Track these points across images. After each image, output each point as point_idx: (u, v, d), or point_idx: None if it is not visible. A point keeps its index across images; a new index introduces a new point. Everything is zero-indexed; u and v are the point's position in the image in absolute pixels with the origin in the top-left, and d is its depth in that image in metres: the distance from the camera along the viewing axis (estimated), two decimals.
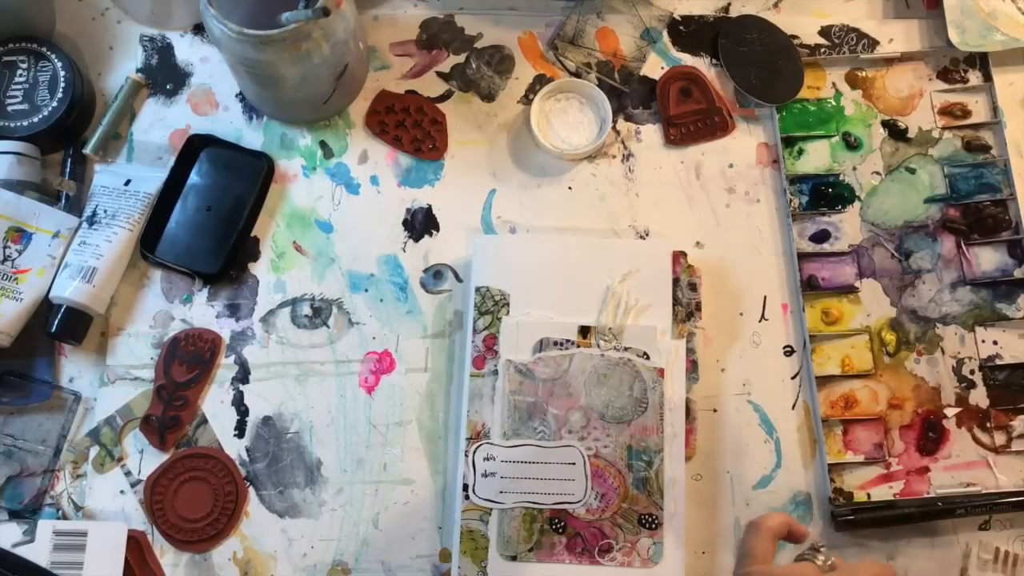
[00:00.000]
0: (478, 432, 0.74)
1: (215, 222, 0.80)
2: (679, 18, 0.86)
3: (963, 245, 0.80)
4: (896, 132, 0.83)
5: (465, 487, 0.73)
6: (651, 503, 0.73)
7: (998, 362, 0.78)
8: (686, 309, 0.77)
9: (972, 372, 0.78)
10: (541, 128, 0.82)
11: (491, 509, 0.73)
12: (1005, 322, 0.79)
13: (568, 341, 0.75)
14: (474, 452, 0.73)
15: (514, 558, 0.72)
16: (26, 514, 0.74)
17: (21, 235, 0.77)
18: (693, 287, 0.78)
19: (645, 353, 0.75)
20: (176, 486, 0.75)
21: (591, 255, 0.77)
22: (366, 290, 0.80)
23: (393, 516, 0.75)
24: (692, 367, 0.77)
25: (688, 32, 0.86)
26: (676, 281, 0.77)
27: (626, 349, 0.75)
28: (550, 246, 0.78)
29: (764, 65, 0.83)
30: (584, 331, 0.76)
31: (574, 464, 0.73)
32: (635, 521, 0.73)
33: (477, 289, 0.76)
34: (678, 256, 0.78)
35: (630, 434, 0.74)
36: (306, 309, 0.79)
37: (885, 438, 0.77)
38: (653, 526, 0.72)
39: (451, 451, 0.76)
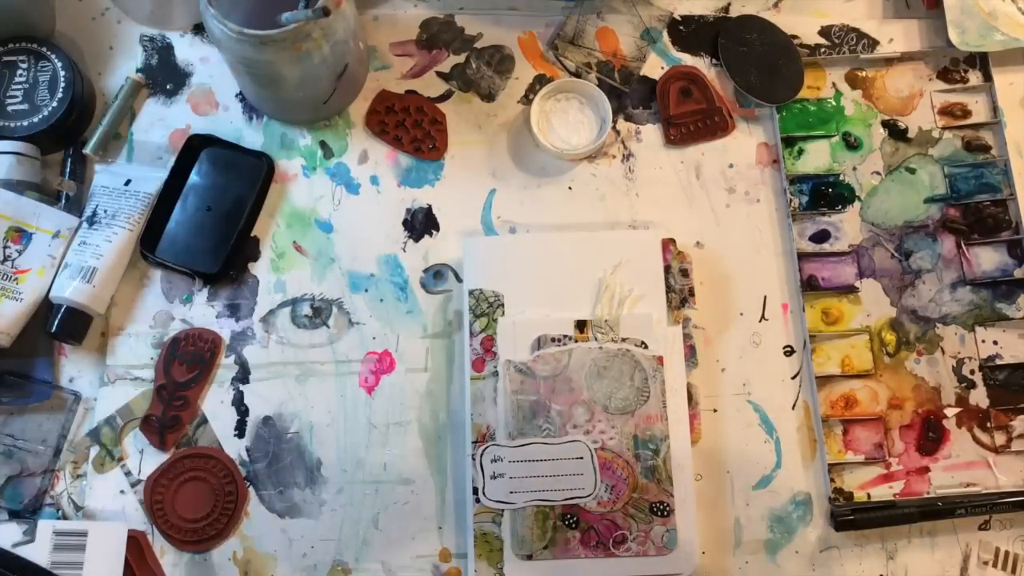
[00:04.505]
0: (483, 435, 0.74)
1: (215, 222, 0.80)
2: (679, 18, 0.86)
3: (963, 245, 0.80)
4: (896, 132, 0.83)
5: (475, 490, 0.73)
6: (661, 490, 0.73)
7: (998, 362, 0.78)
8: (679, 295, 0.77)
9: (972, 372, 0.78)
10: (541, 128, 0.82)
11: (503, 510, 0.73)
12: (1005, 322, 0.79)
13: (566, 337, 0.75)
14: (481, 455, 0.73)
15: (530, 557, 0.72)
16: (26, 514, 0.74)
17: (21, 235, 0.77)
18: (685, 273, 0.78)
19: (643, 342, 0.75)
20: (176, 486, 0.75)
21: (581, 249, 0.77)
22: (366, 290, 0.80)
23: (393, 516, 0.75)
24: (691, 352, 0.77)
25: (688, 32, 0.86)
26: (667, 268, 0.77)
27: (623, 340, 0.75)
28: (539, 244, 0.78)
29: (764, 65, 0.83)
30: (580, 325, 0.76)
31: (582, 458, 0.73)
32: (647, 510, 0.73)
33: (470, 292, 0.76)
34: (667, 243, 0.78)
35: (635, 424, 0.74)
36: (306, 309, 0.79)
37: (885, 438, 0.77)
38: (665, 513, 0.73)
39: (454, 453, 0.76)
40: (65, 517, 0.75)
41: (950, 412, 0.77)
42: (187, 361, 0.77)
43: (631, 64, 0.84)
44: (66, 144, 0.81)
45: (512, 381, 0.74)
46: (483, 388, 0.75)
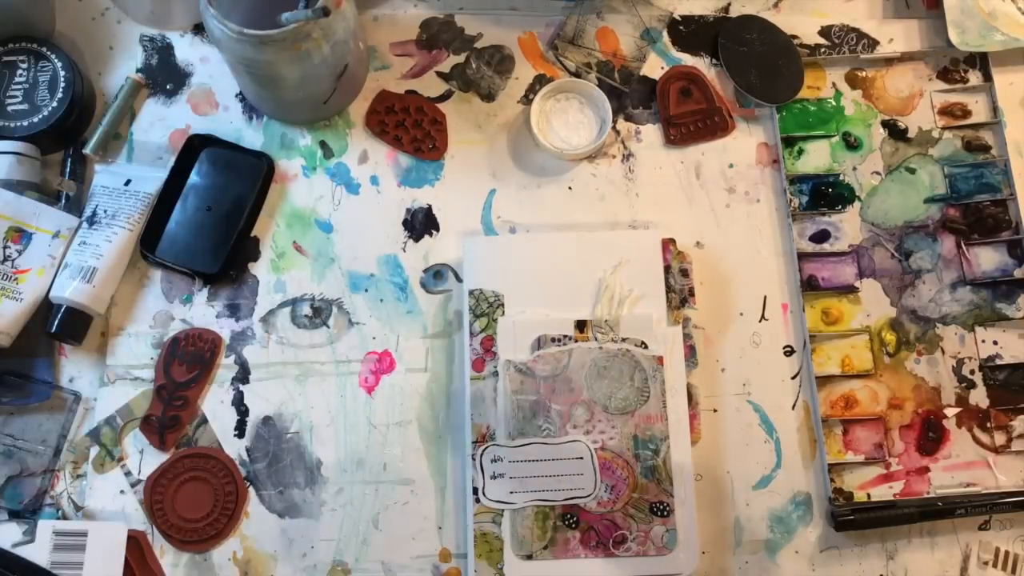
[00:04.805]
0: (483, 435, 0.74)
1: (215, 222, 0.80)
2: (679, 18, 0.86)
3: (963, 245, 0.80)
4: (896, 132, 0.83)
5: (475, 490, 0.73)
6: (661, 491, 0.73)
7: (998, 362, 0.78)
8: (679, 295, 0.77)
9: (972, 372, 0.78)
10: (541, 128, 0.82)
11: (503, 510, 0.73)
12: (1005, 322, 0.79)
13: (566, 337, 0.75)
14: (481, 455, 0.73)
15: (530, 557, 0.72)
16: (26, 514, 0.74)
17: (21, 235, 0.77)
18: (685, 273, 0.78)
19: (643, 342, 0.75)
20: (176, 486, 0.75)
21: (581, 249, 0.77)
22: (366, 290, 0.80)
23: (393, 516, 0.75)
24: (690, 352, 0.77)
25: (688, 32, 0.86)
26: (667, 268, 0.77)
27: (624, 340, 0.75)
28: (540, 244, 0.78)
29: (764, 65, 0.83)
30: (580, 325, 0.76)
31: (582, 459, 0.73)
32: (647, 510, 0.73)
33: (470, 292, 0.76)
34: (667, 244, 0.78)
35: (635, 424, 0.74)
36: (306, 309, 0.79)
37: (885, 438, 0.77)
38: (665, 513, 0.73)
39: (454, 453, 0.76)
40: (65, 517, 0.75)
41: (950, 412, 0.77)
42: (187, 361, 0.77)
43: (631, 64, 0.84)
44: (66, 144, 0.81)
45: (512, 381, 0.74)
46: (483, 388, 0.75)
